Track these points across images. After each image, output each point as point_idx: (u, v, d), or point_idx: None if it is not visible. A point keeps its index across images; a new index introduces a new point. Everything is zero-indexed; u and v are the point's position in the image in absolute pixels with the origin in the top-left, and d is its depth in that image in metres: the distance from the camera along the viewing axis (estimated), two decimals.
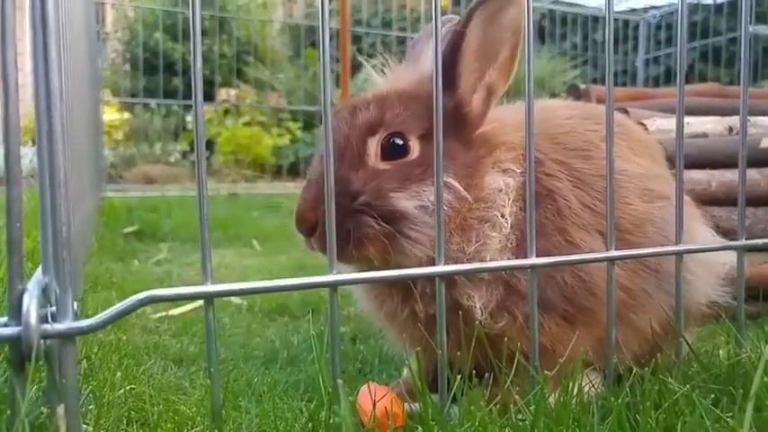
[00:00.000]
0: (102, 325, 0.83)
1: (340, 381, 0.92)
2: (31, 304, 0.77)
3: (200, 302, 2.22)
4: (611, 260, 1.19)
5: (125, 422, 1.17)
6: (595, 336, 1.26)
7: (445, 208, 1.15)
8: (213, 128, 8.15)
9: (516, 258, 1.17)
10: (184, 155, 8.42)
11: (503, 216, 1.19)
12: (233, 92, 8.44)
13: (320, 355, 0.98)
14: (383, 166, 1.21)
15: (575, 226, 1.25)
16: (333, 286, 0.96)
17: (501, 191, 1.21)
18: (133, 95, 8.18)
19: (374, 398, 1.05)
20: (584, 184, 1.29)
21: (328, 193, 0.92)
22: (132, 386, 1.32)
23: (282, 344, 1.81)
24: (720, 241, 1.42)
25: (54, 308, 0.82)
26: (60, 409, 0.76)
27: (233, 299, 2.35)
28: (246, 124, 8.18)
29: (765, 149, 2.27)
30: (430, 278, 1.15)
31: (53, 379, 0.81)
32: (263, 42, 8.89)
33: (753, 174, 2.27)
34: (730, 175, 2.27)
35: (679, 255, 1.27)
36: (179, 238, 3.84)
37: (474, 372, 1.14)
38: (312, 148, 8.30)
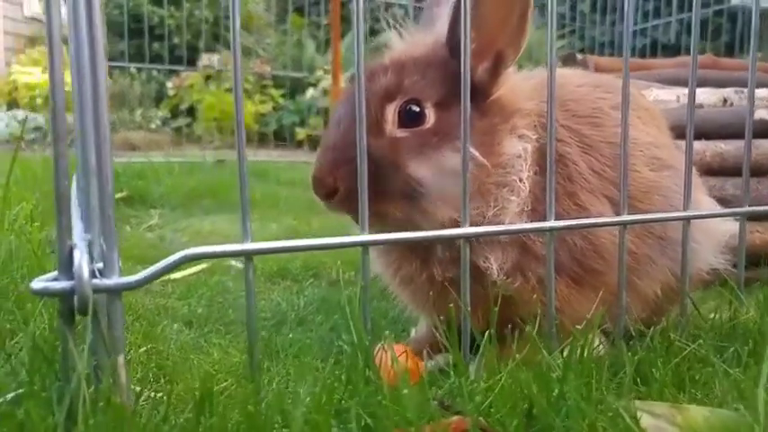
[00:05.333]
0: (146, 281, 0.85)
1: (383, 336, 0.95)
2: (82, 259, 0.79)
3: (202, 266, 2.27)
4: (624, 224, 1.23)
5: (152, 380, 1.19)
6: (602, 298, 1.31)
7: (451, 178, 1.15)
8: (195, 94, 8.02)
9: (531, 222, 1.21)
10: (165, 121, 8.27)
11: (521, 181, 1.22)
12: (215, 57, 8.27)
13: (354, 313, 1.00)
14: (400, 133, 1.22)
15: (584, 190, 1.29)
16: (365, 246, 0.98)
17: (519, 156, 1.24)
18: (111, 60, 7.99)
19: (393, 354, 1.08)
20: (593, 150, 1.32)
21: (361, 153, 0.94)
22: (152, 345, 1.34)
23: (289, 306, 1.84)
24: (722, 209, 1.47)
25: (101, 264, 0.83)
26: (121, 359, 0.78)
27: (233, 263, 2.37)
28: (228, 90, 8.04)
29: (759, 121, 2.32)
30: (449, 242, 1.18)
31: (99, 332, 0.83)
32: (246, 7, 8.70)
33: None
34: (724, 146, 2.33)
35: (686, 220, 1.32)
36: (169, 204, 3.82)
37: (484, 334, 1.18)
38: (295, 116, 8.23)
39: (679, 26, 7.36)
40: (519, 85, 1.34)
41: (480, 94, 1.26)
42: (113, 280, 0.82)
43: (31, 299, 1.26)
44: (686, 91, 2.49)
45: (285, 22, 8.91)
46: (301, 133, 8.05)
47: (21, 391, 0.82)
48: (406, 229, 1.16)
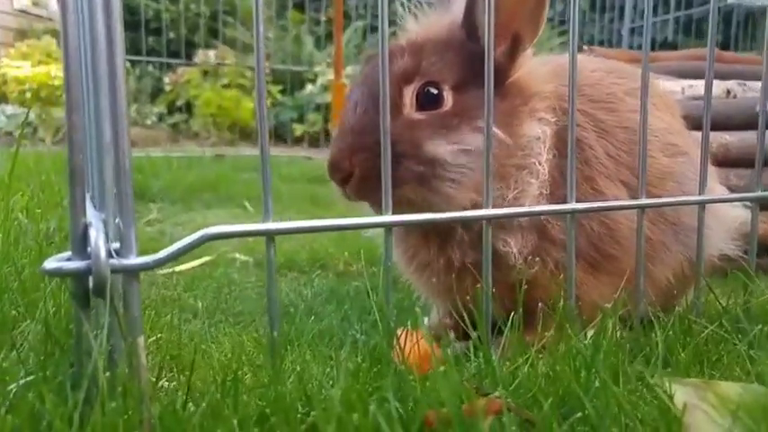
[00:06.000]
0: (165, 261, 0.83)
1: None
2: (98, 238, 0.76)
3: (206, 258, 2.25)
4: (642, 208, 1.22)
5: (165, 368, 1.16)
6: (617, 283, 1.29)
7: (475, 161, 1.14)
8: (192, 89, 7.96)
9: (549, 205, 1.19)
10: (161, 117, 8.21)
11: (540, 164, 1.21)
12: (212, 53, 8.22)
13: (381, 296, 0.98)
14: (418, 116, 1.20)
15: (600, 175, 1.28)
16: (388, 227, 0.96)
17: (539, 139, 1.22)
18: None
19: (412, 340, 1.06)
20: (608, 134, 1.31)
21: (384, 134, 0.92)
22: (160, 334, 1.32)
23: (297, 297, 1.82)
24: (736, 194, 1.46)
25: (116, 244, 0.81)
26: (141, 340, 0.75)
27: (238, 255, 2.35)
28: (226, 86, 8.00)
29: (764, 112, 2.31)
30: (468, 226, 1.16)
31: (114, 314, 0.80)
32: (246, 2, 8.66)
33: (747, 136, 2.33)
34: (728, 137, 2.32)
35: (701, 204, 1.30)
36: (168, 198, 3.78)
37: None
38: (292, 112, 8.19)
39: (676, 24, 7.36)
40: (537, 68, 1.33)
41: (499, 76, 1.24)
42: (131, 260, 0.80)
43: (35, 288, 1.23)
44: (691, 82, 2.51)
45: (284, 17, 8.85)
46: (299, 129, 8.01)
47: (31, 377, 0.79)
48: (428, 209, 1.14)
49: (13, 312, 1.02)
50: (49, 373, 0.79)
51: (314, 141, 7.78)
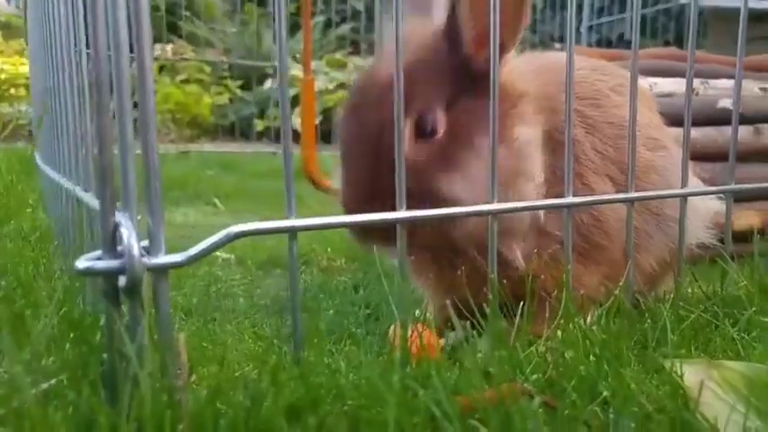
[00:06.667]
0: (194, 259, 0.84)
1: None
2: (131, 237, 0.77)
3: None
4: (632, 200, 1.28)
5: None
6: (604, 272, 1.35)
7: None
8: None
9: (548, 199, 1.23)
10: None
11: (535, 167, 1.24)
12: (168, 47, 8.04)
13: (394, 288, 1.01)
14: (419, 148, 1.17)
15: (589, 171, 1.33)
16: (400, 222, 0.99)
17: (530, 143, 1.25)
18: None
19: (417, 331, 1.10)
20: (595, 130, 1.36)
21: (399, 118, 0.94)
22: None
23: (286, 294, 1.83)
24: (714, 188, 1.54)
25: (144, 242, 0.81)
26: (182, 337, 0.76)
27: (219, 253, 2.34)
28: (184, 81, 7.85)
29: (722, 109, 2.44)
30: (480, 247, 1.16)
31: (133, 312, 0.81)
32: None
33: (710, 131, 2.45)
34: (694, 133, 2.42)
35: (683, 197, 1.38)
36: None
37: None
38: (253, 107, 8.10)
39: (624, 25, 7.63)
40: (520, 69, 1.36)
41: (485, 82, 1.22)
42: (161, 258, 0.80)
43: (38, 287, 1.21)
44: (656, 80, 2.61)
45: (241, 11, 8.74)
46: (261, 125, 7.93)
47: (64, 376, 0.79)
48: (440, 251, 1.16)
49: (27, 311, 1.00)
50: (80, 373, 0.79)
51: (277, 136, 7.72)
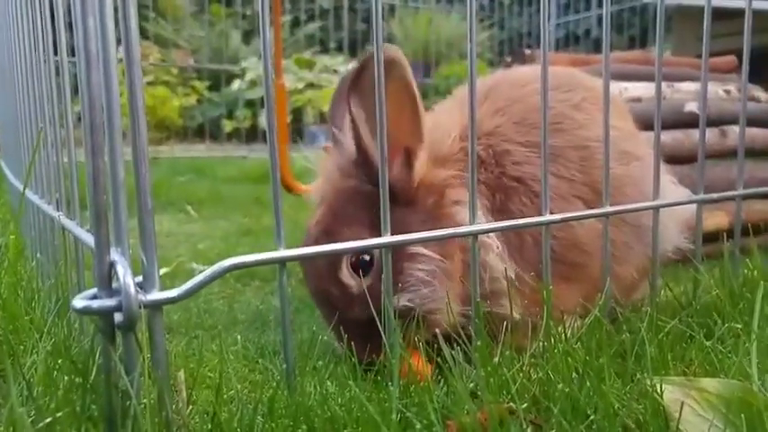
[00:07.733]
0: (187, 294, 0.84)
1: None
2: (126, 275, 0.77)
3: (164, 270, 2.21)
4: (606, 215, 1.32)
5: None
6: (585, 289, 1.36)
7: (434, 281, 1.18)
8: None
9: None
10: (81, 117, 7.82)
11: (490, 252, 1.23)
12: None
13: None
14: (363, 283, 1.21)
15: (557, 198, 1.32)
16: (387, 247, 1.01)
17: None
18: None
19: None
20: (558, 158, 1.36)
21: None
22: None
23: (266, 307, 1.84)
24: (684, 195, 1.59)
25: (137, 278, 0.82)
26: (181, 374, 0.77)
27: (195, 264, 2.33)
28: (150, 84, 7.72)
29: (689, 113, 2.52)
30: None
31: (130, 349, 0.82)
32: None
33: (678, 134, 2.52)
34: (662, 137, 2.50)
35: (656, 209, 1.43)
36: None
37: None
38: (221, 108, 8.02)
39: (598, 19, 7.82)
40: (438, 134, 1.34)
41: (404, 186, 1.24)
42: (156, 294, 0.81)
43: (21, 313, 1.20)
44: (626, 85, 2.68)
45: (208, 12, 8.63)
46: (229, 125, 7.86)
47: (60, 414, 0.80)
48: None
49: (21, 347, 1.00)
50: (77, 409, 0.79)
51: (248, 137, 7.68)
